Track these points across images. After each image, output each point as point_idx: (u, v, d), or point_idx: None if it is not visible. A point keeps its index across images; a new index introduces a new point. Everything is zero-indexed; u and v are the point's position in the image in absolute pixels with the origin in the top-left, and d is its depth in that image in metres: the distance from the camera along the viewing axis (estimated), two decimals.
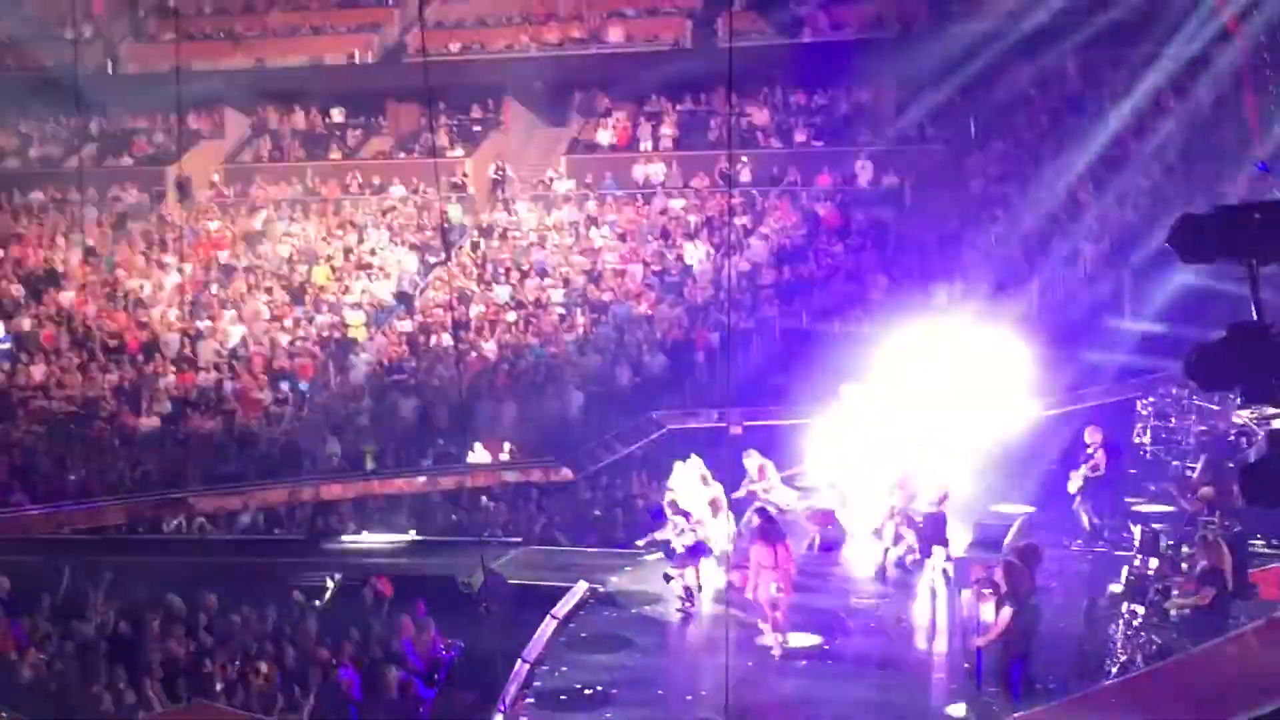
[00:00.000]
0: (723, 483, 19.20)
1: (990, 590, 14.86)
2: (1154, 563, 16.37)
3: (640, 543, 20.85)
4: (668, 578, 18.16)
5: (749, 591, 16.81)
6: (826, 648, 16.62)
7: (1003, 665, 14.63)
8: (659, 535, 18.70)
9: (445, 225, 33.41)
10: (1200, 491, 18.62)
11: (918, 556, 18.82)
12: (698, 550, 17.99)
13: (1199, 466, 19.95)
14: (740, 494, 19.78)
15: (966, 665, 15.37)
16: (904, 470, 19.40)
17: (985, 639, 14.74)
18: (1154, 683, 13.15)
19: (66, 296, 33.19)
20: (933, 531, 18.49)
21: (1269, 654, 13.02)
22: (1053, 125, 32.13)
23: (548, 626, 17.18)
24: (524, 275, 32.47)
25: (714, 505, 18.90)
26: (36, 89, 37.94)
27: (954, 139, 31.83)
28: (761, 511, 17.67)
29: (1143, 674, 13.76)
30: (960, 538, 19.16)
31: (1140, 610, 15.24)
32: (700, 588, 18.02)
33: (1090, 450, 19.98)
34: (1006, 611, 14.37)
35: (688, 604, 17.90)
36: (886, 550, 19.12)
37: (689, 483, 19.53)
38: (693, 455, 19.93)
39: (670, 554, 18.22)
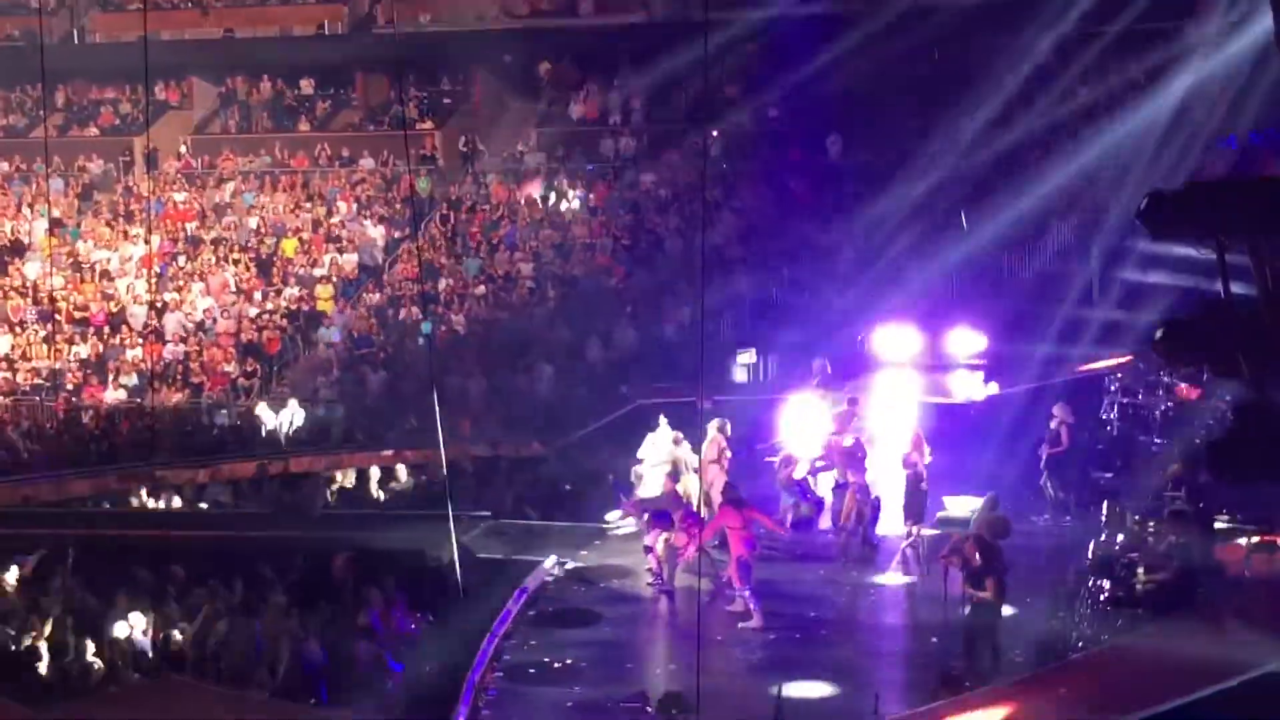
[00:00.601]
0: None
1: (960, 563, 14.90)
2: (1121, 538, 16.48)
3: (609, 517, 20.91)
4: (648, 549, 18.18)
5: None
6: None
7: (969, 639, 14.68)
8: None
9: (414, 198, 33.24)
10: (1169, 469, 18.69)
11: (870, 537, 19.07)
12: (663, 519, 17.99)
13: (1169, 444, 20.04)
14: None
15: (934, 639, 15.44)
16: (851, 447, 19.48)
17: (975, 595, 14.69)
18: (1118, 658, 13.26)
19: (32, 268, 32.94)
20: (911, 501, 18.55)
21: (1234, 629, 13.16)
22: (1024, 102, 32.11)
23: (517, 600, 17.20)
24: (494, 249, 32.37)
25: (677, 467, 19.04)
26: (1, 58, 37.55)
27: (926, 114, 31.76)
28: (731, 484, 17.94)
29: (1108, 649, 13.86)
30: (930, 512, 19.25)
31: (1107, 585, 15.33)
32: (668, 558, 18.01)
33: (1053, 426, 20.12)
34: (991, 582, 14.40)
35: (657, 580, 17.92)
36: (843, 528, 19.22)
37: (657, 451, 19.63)
38: (662, 420, 19.99)
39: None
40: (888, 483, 19.54)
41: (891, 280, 27.95)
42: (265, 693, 14.86)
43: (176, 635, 16.00)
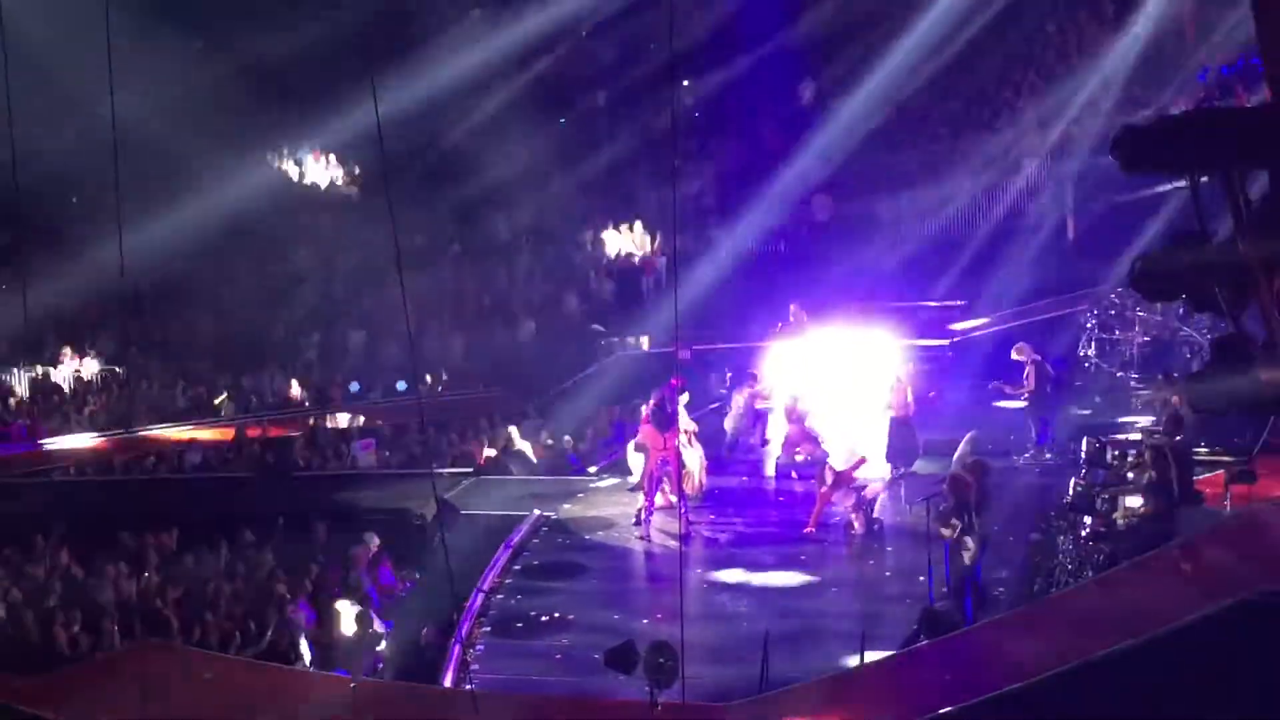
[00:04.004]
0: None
1: (941, 505, 14.95)
2: (1101, 474, 16.55)
3: (593, 469, 20.94)
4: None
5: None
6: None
7: (955, 578, 14.75)
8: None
9: (383, 154, 32.79)
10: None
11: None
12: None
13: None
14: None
15: (920, 578, 15.50)
16: (793, 398, 19.42)
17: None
18: (1100, 592, 13.34)
19: None
20: (900, 441, 18.55)
21: (1213, 559, 13.26)
22: (992, 38, 31.95)
23: (502, 555, 17.24)
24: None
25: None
26: None
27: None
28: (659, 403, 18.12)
29: (1090, 584, 13.95)
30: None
31: (1088, 521, 15.41)
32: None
33: (1026, 369, 20.13)
34: (955, 523, 14.46)
35: (643, 529, 17.97)
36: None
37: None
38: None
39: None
40: (872, 427, 19.52)
41: (867, 221, 28.00)
42: (252, 656, 14.87)
43: (162, 600, 15.96)
